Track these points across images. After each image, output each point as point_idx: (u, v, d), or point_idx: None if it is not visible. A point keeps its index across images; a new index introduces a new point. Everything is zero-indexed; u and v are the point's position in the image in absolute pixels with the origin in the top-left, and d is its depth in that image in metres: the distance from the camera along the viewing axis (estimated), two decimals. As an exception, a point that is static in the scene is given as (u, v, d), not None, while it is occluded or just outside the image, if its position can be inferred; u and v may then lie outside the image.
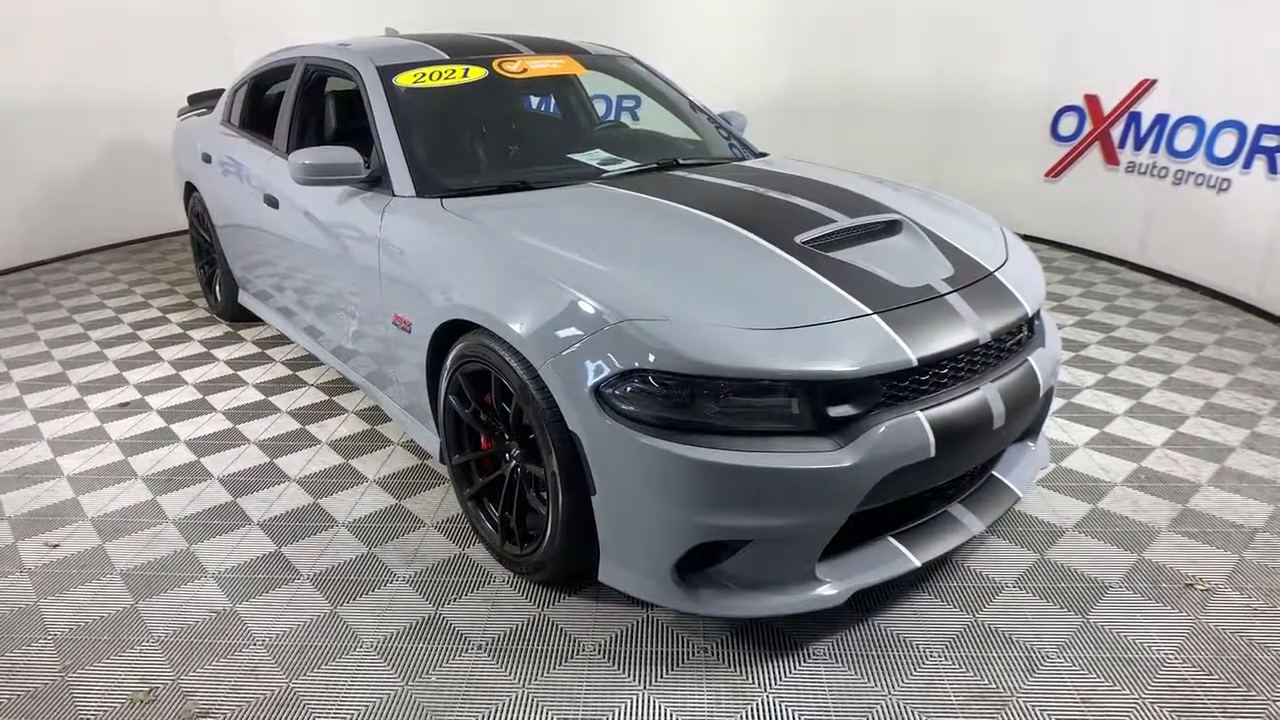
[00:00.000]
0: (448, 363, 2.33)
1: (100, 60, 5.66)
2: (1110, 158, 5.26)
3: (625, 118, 5.83)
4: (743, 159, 3.24)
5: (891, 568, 2.01)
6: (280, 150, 3.42)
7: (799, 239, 2.22)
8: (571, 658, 2.04)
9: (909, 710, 1.87)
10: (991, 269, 2.28)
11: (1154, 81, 4.92)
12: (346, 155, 2.69)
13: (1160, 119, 4.91)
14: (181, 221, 4.86)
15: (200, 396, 3.54)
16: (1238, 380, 3.56)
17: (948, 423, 1.93)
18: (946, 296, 2.09)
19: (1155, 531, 2.51)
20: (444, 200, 2.57)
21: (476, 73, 3.06)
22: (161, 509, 2.71)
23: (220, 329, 4.34)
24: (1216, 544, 2.45)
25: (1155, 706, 1.87)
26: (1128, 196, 5.16)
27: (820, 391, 1.84)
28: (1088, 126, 5.36)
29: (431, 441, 2.60)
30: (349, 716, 1.88)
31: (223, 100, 4.23)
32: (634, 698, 1.92)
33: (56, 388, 3.66)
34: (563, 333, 1.94)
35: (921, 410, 1.91)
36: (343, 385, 3.61)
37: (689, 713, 1.88)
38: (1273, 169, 4.25)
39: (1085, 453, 2.97)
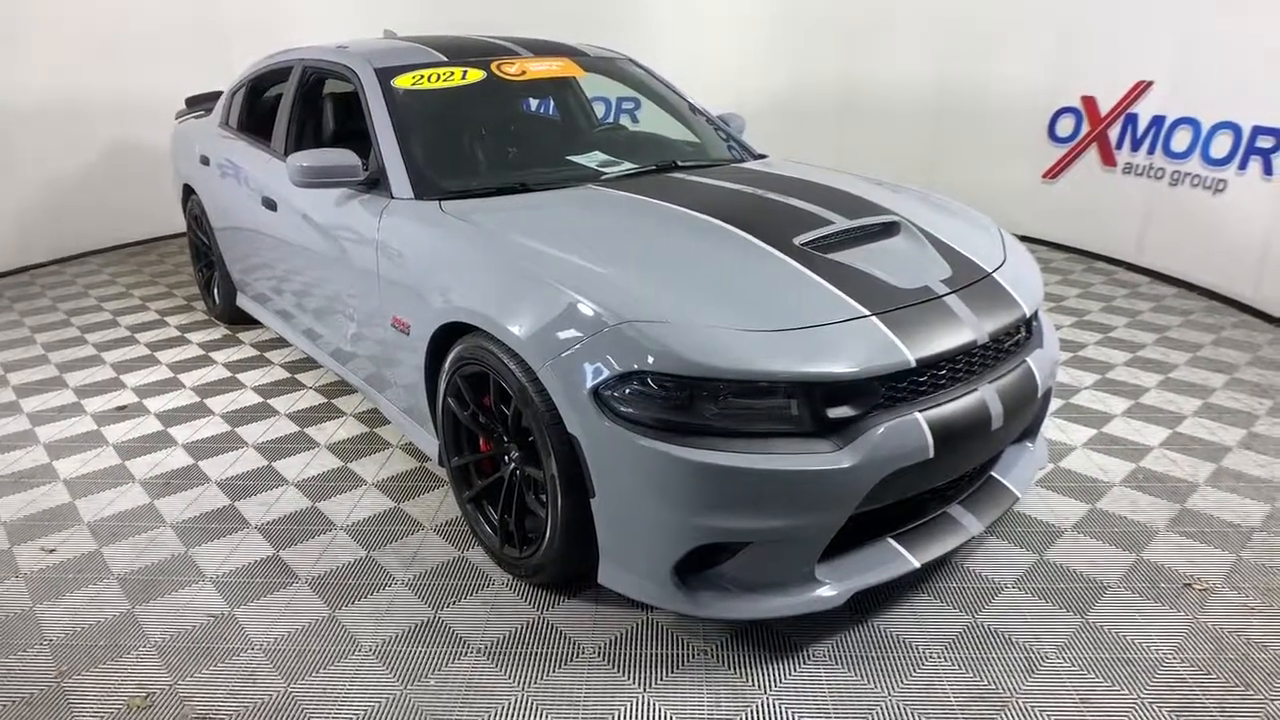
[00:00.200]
0: (446, 365, 2.33)
1: (99, 62, 5.65)
2: (1107, 159, 5.27)
3: (624, 120, 5.83)
4: (741, 161, 3.24)
5: (891, 569, 2.01)
6: (278, 153, 3.42)
7: (797, 241, 2.23)
8: (571, 660, 2.04)
9: (909, 712, 1.87)
10: (989, 270, 2.28)
11: (1151, 83, 4.93)
12: (345, 157, 2.69)
13: (1157, 120, 4.93)
14: (180, 224, 4.85)
15: (198, 399, 3.54)
16: (1234, 380, 3.57)
17: (946, 424, 1.93)
18: (944, 298, 2.10)
19: (1153, 531, 2.52)
20: (442, 202, 2.57)
21: (475, 75, 3.06)
22: (159, 513, 2.71)
23: (218, 332, 4.34)
24: (1214, 544, 2.45)
25: (1154, 706, 1.87)
26: (1125, 197, 5.17)
27: (819, 393, 1.84)
28: (1085, 128, 5.37)
29: (430, 444, 2.60)
30: (348, 720, 1.87)
31: (221, 102, 4.23)
32: (634, 700, 1.92)
33: (53, 391, 3.65)
34: (562, 335, 1.94)
35: (920, 411, 1.91)
36: (341, 388, 3.60)
37: (689, 715, 1.87)
38: (1268, 170, 4.27)
39: (1083, 453, 2.98)
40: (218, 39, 6.10)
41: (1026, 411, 2.21)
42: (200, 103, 4.64)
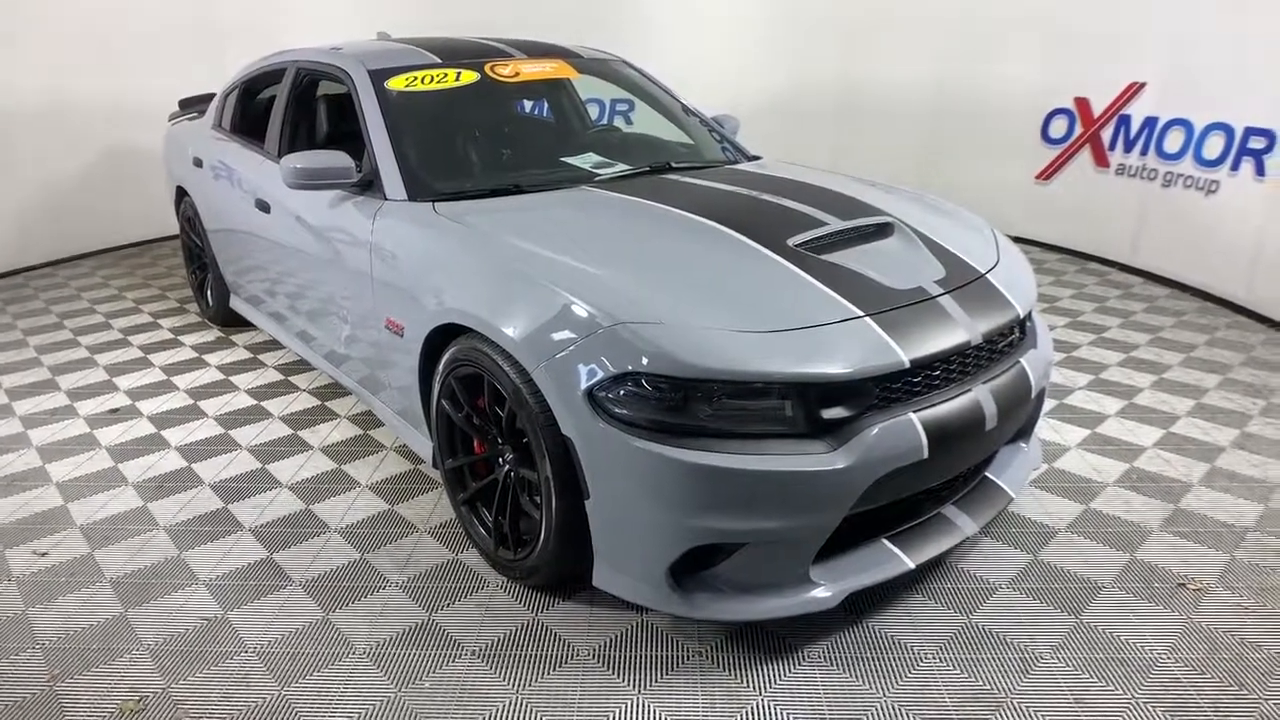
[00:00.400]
0: (440, 367, 2.32)
1: (93, 63, 5.63)
2: (1100, 160, 5.29)
3: (618, 121, 5.83)
4: (735, 162, 3.25)
5: (885, 570, 2.01)
6: (272, 154, 3.41)
7: (791, 242, 2.23)
8: (566, 663, 2.04)
9: (904, 713, 1.87)
10: (983, 271, 2.29)
11: (1143, 84, 4.95)
12: (338, 159, 2.68)
13: (1149, 121, 4.95)
14: (173, 226, 4.83)
15: (191, 402, 3.52)
16: (1228, 380, 3.58)
17: (940, 424, 1.93)
18: (938, 298, 2.10)
19: (1147, 532, 2.52)
20: (436, 204, 2.57)
21: (469, 76, 3.05)
22: (152, 516, 2.70)
23: (212, 334, 4.32)
24: (1208, 544, 2.46)
25: (1148, 706, 1.87)
26: (1118, 199, 5.19)
27: (813, 394, 1.84)
28: (1078, 129, 5.39)
29: (424, 446, 2.59)
30: (342, 723, 1.87)
31: (214, 105, 4.22)
32: (629, 702, 1.91)
33: (46, 394, 3.64)
34: (556, 336, 1.93)
35: (914, 412, 1.92)
36: (335, 390, 3.59)
37: (684, 717, 1.87)
38: (1260, 171, 4.28)
39: (1077, 453, 2.98)
40: (214, 41, 6.08)
41: (1020, 412, 2.22)
42: (193, 105, 4.63)
